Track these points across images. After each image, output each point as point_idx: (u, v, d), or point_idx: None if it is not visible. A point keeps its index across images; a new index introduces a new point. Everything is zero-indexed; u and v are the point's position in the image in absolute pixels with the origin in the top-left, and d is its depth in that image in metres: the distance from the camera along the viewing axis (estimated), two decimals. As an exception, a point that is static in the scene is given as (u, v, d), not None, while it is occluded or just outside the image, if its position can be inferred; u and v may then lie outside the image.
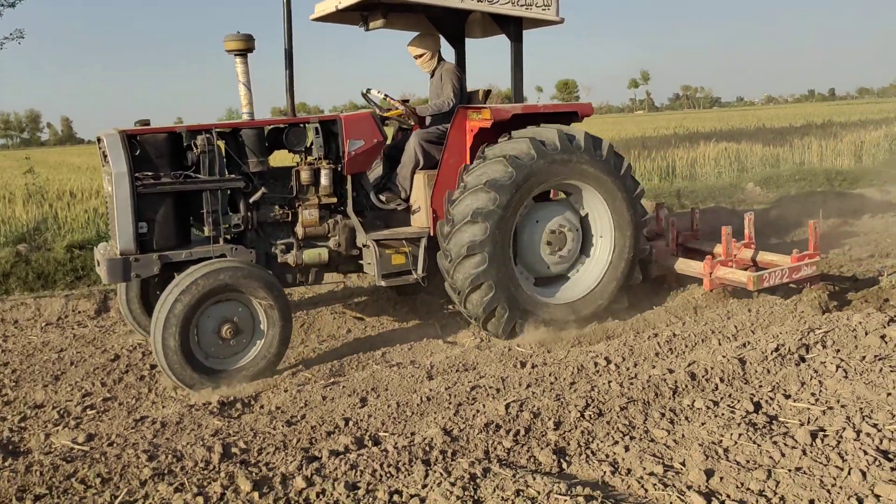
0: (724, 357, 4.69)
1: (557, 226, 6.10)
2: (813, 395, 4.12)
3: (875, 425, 3.62)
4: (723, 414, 3.90)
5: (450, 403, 4.29)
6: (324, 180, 5.75)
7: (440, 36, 6.70)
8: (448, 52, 6.89)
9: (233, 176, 5.45)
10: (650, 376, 4.46)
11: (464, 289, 5.64)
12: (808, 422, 3.76)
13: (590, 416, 3.98)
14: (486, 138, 5.99)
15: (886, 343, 4.77)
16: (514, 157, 5.67)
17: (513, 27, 6.17)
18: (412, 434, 3.88)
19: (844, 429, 3.60)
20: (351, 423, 4.07)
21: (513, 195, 5.66)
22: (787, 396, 4.13)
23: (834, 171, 15.59)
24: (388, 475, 3.41)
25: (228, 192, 5.50)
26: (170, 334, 4.82)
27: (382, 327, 6.56)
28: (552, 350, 5.45)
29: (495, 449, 3.66)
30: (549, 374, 4.70)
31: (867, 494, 3.03)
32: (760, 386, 4.30)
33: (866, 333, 4.98)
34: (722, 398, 4.13)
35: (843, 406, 3.92)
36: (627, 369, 4.75)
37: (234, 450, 3.77)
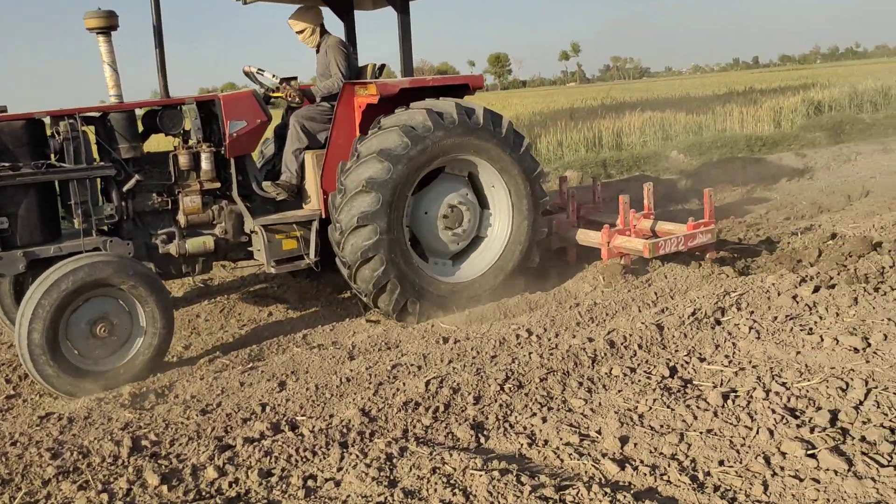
0: (642, 324, 4.75)
1: (456, 202, 5.95)
2: (727, 356, 4.21)
3: (784, 384, 3.71)
4: (639, 380, 3.94)
5: (370, 383, 4.22)
6: (205, 164, 5.49)
7: (323, 9, 6.46)
8: (337, 25, 6.73)
9: (102, 163, 5.15)
10: (570, 346, 4.48)
11: (353, 262, 5.44)
12: (721, 384, 3.83)
13: (510, 388, 3.97)
14: (376, 115, 5.77)
15: (798, 303, 4.90)
16: (410, 128, 5.50)
17: None
18: (330, 416, 3.80)
19: (755, 388, 3.68)
20: (268, 409, 3.97)
21: (407, 166, 5.48)
22: (702, 360, 4.20)
23: (754, 137, 16.00)
24: (304, 460, 3.34)
25: (99, 181, 5.20)
26: (35, 336, 4.48)
27: (304, 309, 6.45)
28: (475, 324, 5.43)
29: (414, 427, 3.62)
30: (472, 349, 4.68)
31: (774, 452, 3.10)
32: (676, 350, 4.37)
33: (779, 294, 5.10)
34: (639, 364, 4.17)
35: (754, 366, 4.01)
36: (549, 340, 4.76)
37: (144, 443, 3.63)
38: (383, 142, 5.46)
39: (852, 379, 3.67)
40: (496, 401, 3.84)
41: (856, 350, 4.02)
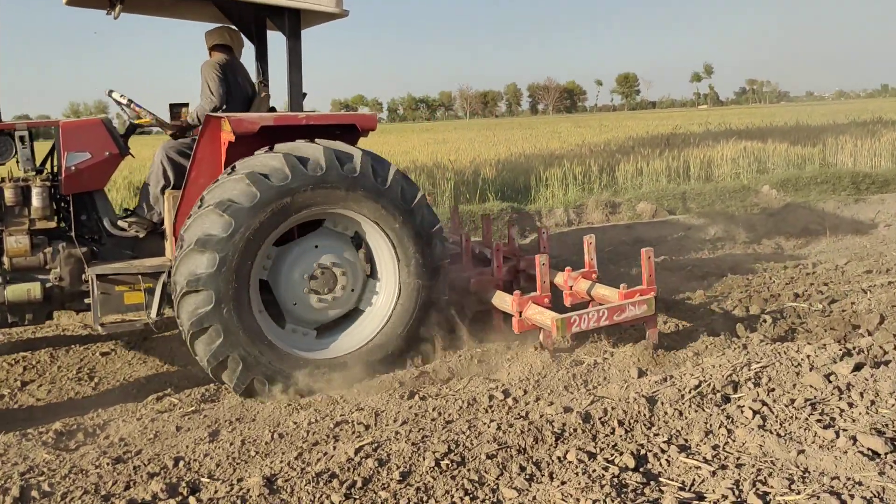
0: (636, 394, 4.11)
1: (329, 262, 5.03)
2: (715, 447, 3.52)
3: (764, 495, 3.02)
4: (594, 471, 3.33)
5: (302, 443, 3.80)
6: (35, 200, 4.88)
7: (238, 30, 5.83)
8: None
9: None
10: (541, 416, 3.91)
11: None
12: (687, 486, 3.17)
13: (447, 465, 3.44)
14: (249, 152, 4.91)
15: (829, 383, 4.12)
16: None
17: (287, 20, 5.11)
18: (239, 481, 3.40)
19: (725, 498, 3.01)
20: (181, 465, 3.61)
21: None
22: (683, 449, 3.53)
23: (862, 174, 14.59)
24: (176, 536, 2.95)
25: None
26: None
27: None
28: (453, 379, 4.90)
29: (316, 505, 3.17)
30: (433, 409, 4.18)
31: None
32: (657, 434, 3.71)
33: (811, 369, 4.33)
34: (604, 448, 3.55)
35: (739, 465, 3.32)
36: (524, 405, 4.20)
37: (33, 493, 3.34)
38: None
39: (852, 496, 2.94)
40: (422, 480, 3.33)
41: (873, 455, 3.26)
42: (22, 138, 4.92)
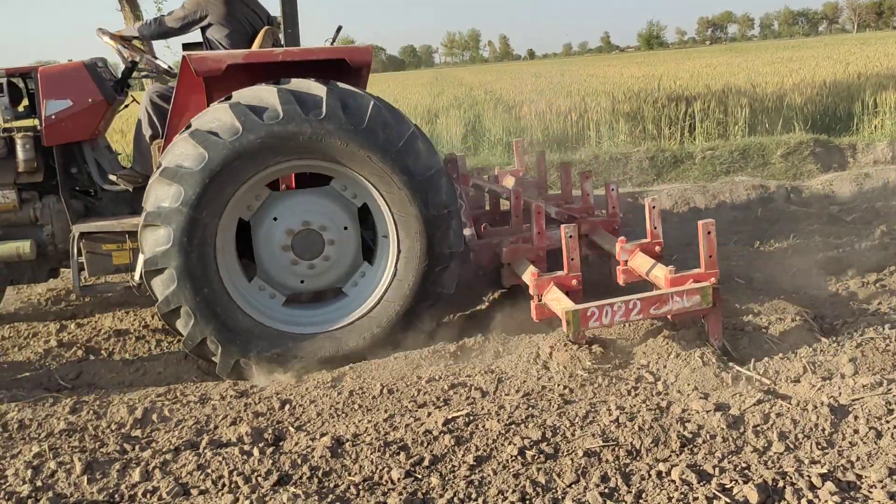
0: (828, 398, 3.15)
1: (318, 224, 4.32)
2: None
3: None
4: (694, 499, 2.58)
5: (410, 402, 3.56)
6: (20, 152, 4.55)
7: None
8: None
9: None
10: (683, 410, 3.18)
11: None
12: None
13: (531, 456, 2.95)
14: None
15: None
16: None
17: None
18: (320, 436, 3.26)
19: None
20: (286, 408, 3.63)
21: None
22: (850, 487, 2.59)
23: None
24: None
25: None
26: None
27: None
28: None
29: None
30: (561, 384, 3.62)
31: None
32: (815, 462, 2.77)
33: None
34: (729, 469, 2.74)
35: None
36: (679, 393, 3.45)
37: (153, 416, 3.56)
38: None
39: None
40: (491, 470, 2.88)
41: None
42: (1, 87, 4.61)
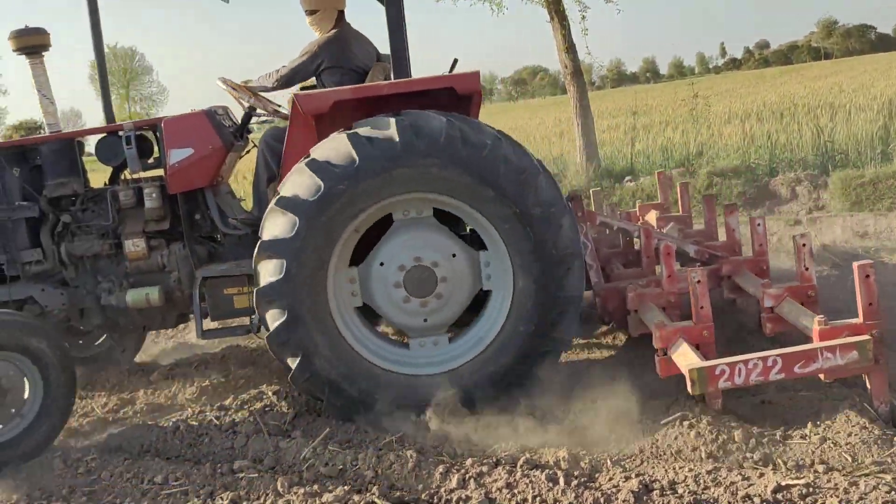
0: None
1: (413, 260, 4.22)
2: None
3: None
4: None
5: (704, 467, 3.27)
6: (148, 201, 4.69)
7: None
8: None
9: (21, 204, 4.69)
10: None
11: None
12: None
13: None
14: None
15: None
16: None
17: None
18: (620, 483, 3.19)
19: None
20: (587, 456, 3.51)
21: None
22: None
23: None
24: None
25: (24, 222, 4.73)
26: None
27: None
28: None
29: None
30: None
31: None
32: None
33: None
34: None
35: None
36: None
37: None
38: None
39: None
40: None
41: None
42: (128, 139, 4.66)
